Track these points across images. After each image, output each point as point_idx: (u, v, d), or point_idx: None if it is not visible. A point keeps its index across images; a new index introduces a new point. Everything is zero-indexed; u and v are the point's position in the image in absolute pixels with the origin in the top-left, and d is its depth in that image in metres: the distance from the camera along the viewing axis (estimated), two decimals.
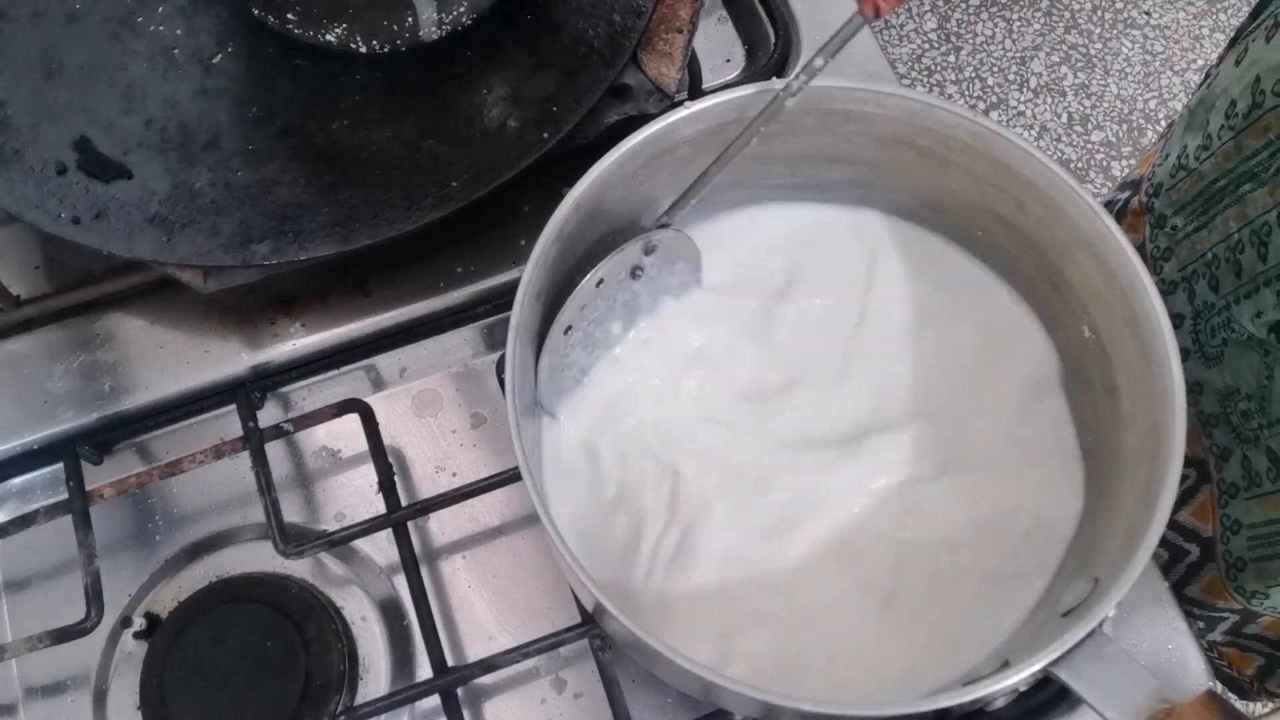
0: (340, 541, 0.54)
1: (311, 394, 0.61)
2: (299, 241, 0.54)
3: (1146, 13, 1.88)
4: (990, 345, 0.54)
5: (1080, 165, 1.77)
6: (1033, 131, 1.79)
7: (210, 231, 0.54)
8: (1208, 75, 0.69)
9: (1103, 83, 1.83)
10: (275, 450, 0.57)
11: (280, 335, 0.60)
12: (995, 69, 1.85)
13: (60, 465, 0.56)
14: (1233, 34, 0.67)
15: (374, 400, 0.57)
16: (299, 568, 0.55)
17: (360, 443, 0.56)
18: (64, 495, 0.55)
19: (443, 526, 0.57)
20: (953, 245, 0.55)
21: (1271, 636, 0.74)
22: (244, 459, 0.56)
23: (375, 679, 0.53)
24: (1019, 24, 1.88)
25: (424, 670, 0.53)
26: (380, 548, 0.56)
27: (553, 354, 0.49)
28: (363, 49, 0.60)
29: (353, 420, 0.56)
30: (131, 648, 0.53)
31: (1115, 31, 1.87)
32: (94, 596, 0.52)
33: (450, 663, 0.52)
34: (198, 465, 0.56)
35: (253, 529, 0.57)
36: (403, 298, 0.60)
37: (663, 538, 0.50)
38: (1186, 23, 1.87)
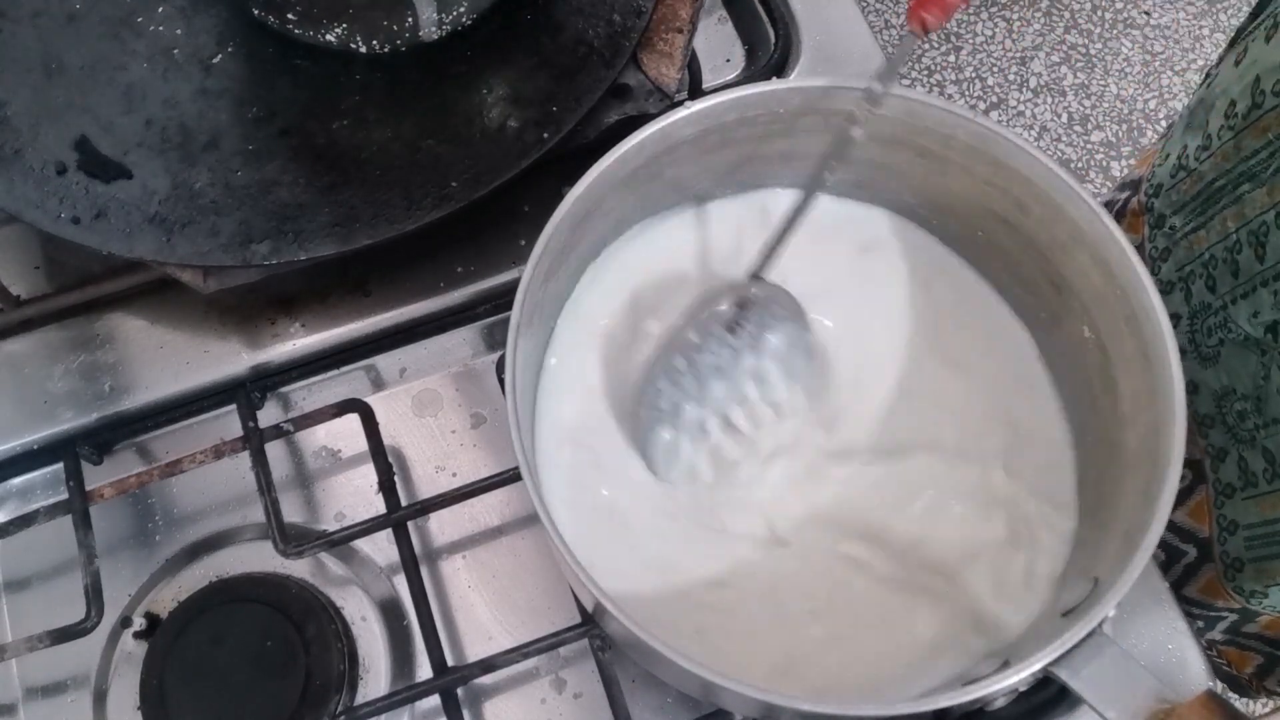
0: (340, 541, 0.54)
1: (311, 394, 0.61)
2: (299, 241, 0.54)
3: (1146, 13, 1.88)
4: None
5: (1080, 165, 1.77)
6: (1033, 131, 1.79)
7: (210, 231, 0.54)
8: (1208, 75, 0.69)
9: (1103, 83, 1.83)
10: (275, 450, 0.57)
11: (280, 335, 0.60)
12: (995, 69, 1.85)
13: (60, 465, 0.56)
14: (1233, 34, 0.67)
15: (374, 400, 0.57)
16: (299, 568, 0.55)
17: (360, 443, 0.56)
18: (64, 495, 0.55)
19: (443, 526, 0.57)
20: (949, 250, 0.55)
21: (1270, 635, 0.74)
22: (244, 459, 0.56)
23: (375, 679, 0.53)
24: (1019, 24, 1.88)
25: (424, 670, 0.53)
26: (380, 548, 0.56)
27: (648, 408, 0.50)
28: (363, 49, 0.60)
29: (353, 420, 0.56)
30: (131, 648, 0.53)
31: (1115, 31, 1.87)
32: (94, 596, 0.52)
33: (450, 663, 0.52)
34: (198, 465, 0.56)
35: (253, 529, 0.57)
36: (403, 298, 0.60)
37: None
38: (1186, 23, 1.87)
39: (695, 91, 0.64)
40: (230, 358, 0.59)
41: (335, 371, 0.61)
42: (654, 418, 0.50)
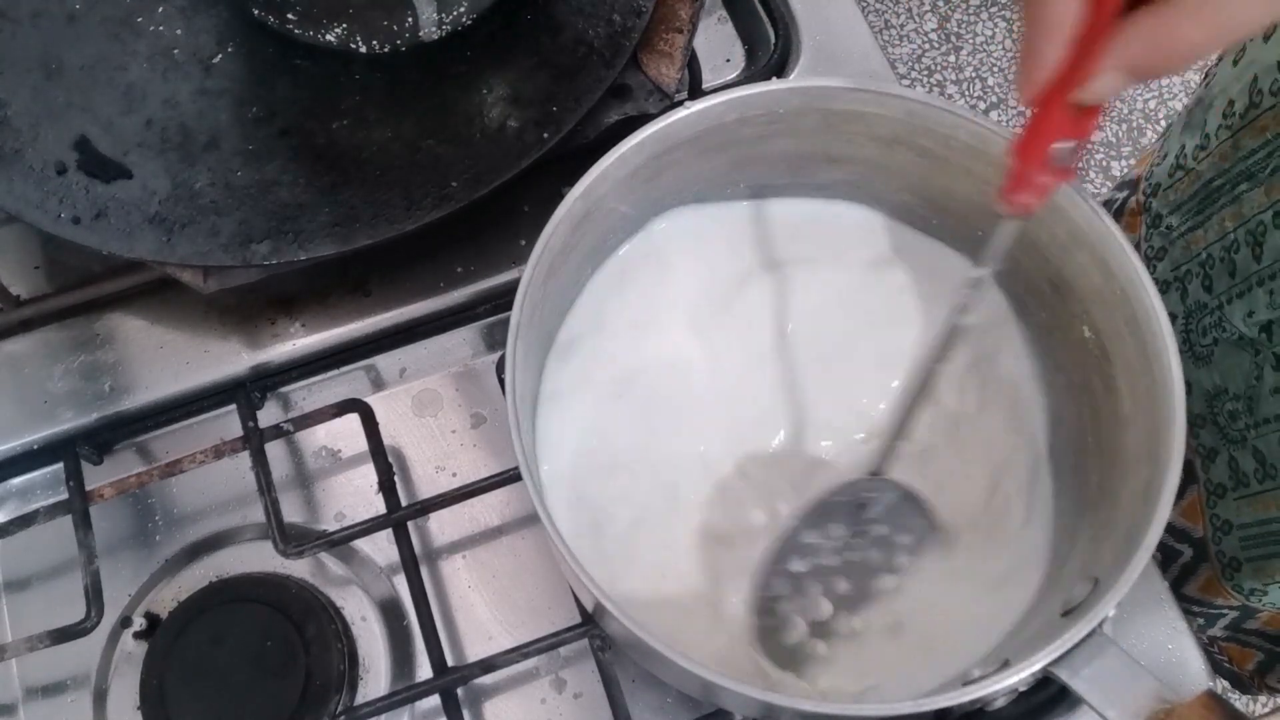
0: (340, 541, 0.54)
1: (311, 394, 0.61)
2: (299, 241, 0.54)
3: None
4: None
5: (1080, 165, 1.77)
6: None
7: (210, 231, 0.54)
8: (1207, 75, 0.69)
9: None
10: (275, 450, 0.57)
11: (280, 335, 0.60)
12: (995, 69, 1.84)
13: (60, 465, 0.56)
14: None
15: (374, 400, 0.57)
16: (299, 568, 0.55)
17: (360, 443, 0.56)
18: (64, 495, 0.55)
19: (443, 526, 0.57)
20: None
21: (1271, 631, 0.74)
22: (244, 459, 0.56)
23: (375, 679, 0.53)
24: (1019, 24, 1.88)
25: (424, 670, 0.53)
26: (380, 548, 0.56)
27: (765, 614, 0.48)
28: (363, 49, 0.60)
29: (353, 420, 0.56)
30: (131, 648, 0.53)
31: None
32: (94, 596, 0.52)
33: (450, 663, 0.52)
34: (198, 465, 0.56)
35: (253, 529, 0.57)
36: (403, 298, 0.60)
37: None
38: None
39: (695, 91, 0.64)
40: (230, 358, 0.59)
41: (335, 371, 0.61)
42: (773, 625, 0.48)
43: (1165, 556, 0.74)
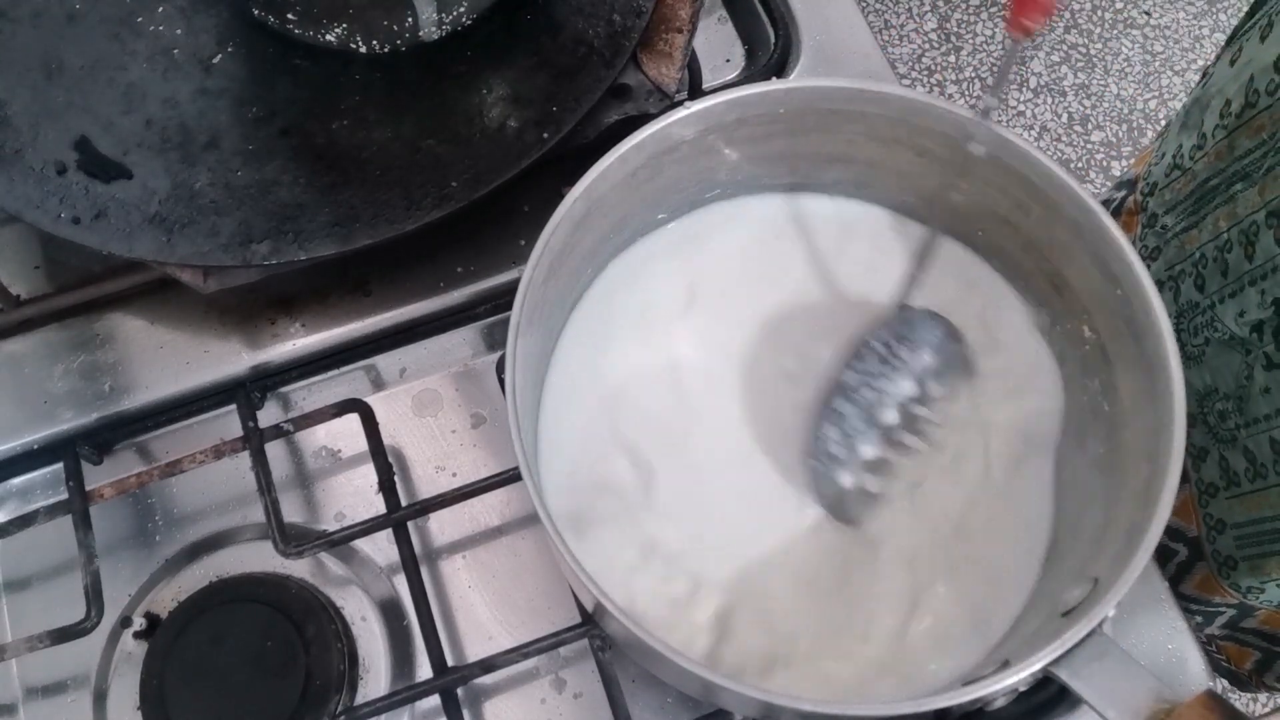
0: (340, 541, 0.54)
1: (311, 394, 0.61)
2: (299, 241, 0.54)
3: (1146, 13, 1.88)
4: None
5: (1080, 165, 1.77)
6: (1033, 131, 1.79)
7: (210, 231, 0.54)
8: (1205, 75, 0.69)
9: (1103, 83, 1.83)
10: (275, 450, 0.57)
11: (280, 335, 0.60)
12: (995, 69, 1.84)
13: (60, 465, 0.56)
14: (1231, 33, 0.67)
15: (374, 400, 0.57)
16: (299, 568, 0.55)
17: (360, 443, 0.56)
18: (64, 495, 0.55)
19: (443, 526, 0.57)
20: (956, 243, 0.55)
21: (1268, 630, 0.74)
22: (244, 459, 0.56)
23: (375, 679, 0.53)
24: None
25: (424, 670, 0.53)
26: (380, 548, 0.56)
27: (821, 458, 0.50)
28: (363, 49, 0.60)
29: (353, 420, 0.56)
30: (131, 648, 0.53)
31: (1115, 31, 1.87)
32: (94, 596, 0.52)
33: (450, 663, 0.52)
34: (198, 465, 0.56)
35: (253, 529, 0.57)
36: (403, 298, 0.60)
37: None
38: (1186, 23, 1.87)
39: (695, 91, 0.64)
40: (230, 358, 0.59)
41: (335, 371, 0.61)
42: (829, 467, 0.50)
43: (1161, 555, 0.73)
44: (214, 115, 0.58)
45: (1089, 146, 1.78)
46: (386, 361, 0.61)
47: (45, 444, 0.58)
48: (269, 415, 0.59)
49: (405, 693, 0.51)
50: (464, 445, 0.58)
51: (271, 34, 0.60)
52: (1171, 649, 0.52)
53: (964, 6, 1.90)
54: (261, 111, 0.58)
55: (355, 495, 0.57)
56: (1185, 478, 0.68)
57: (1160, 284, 0.68)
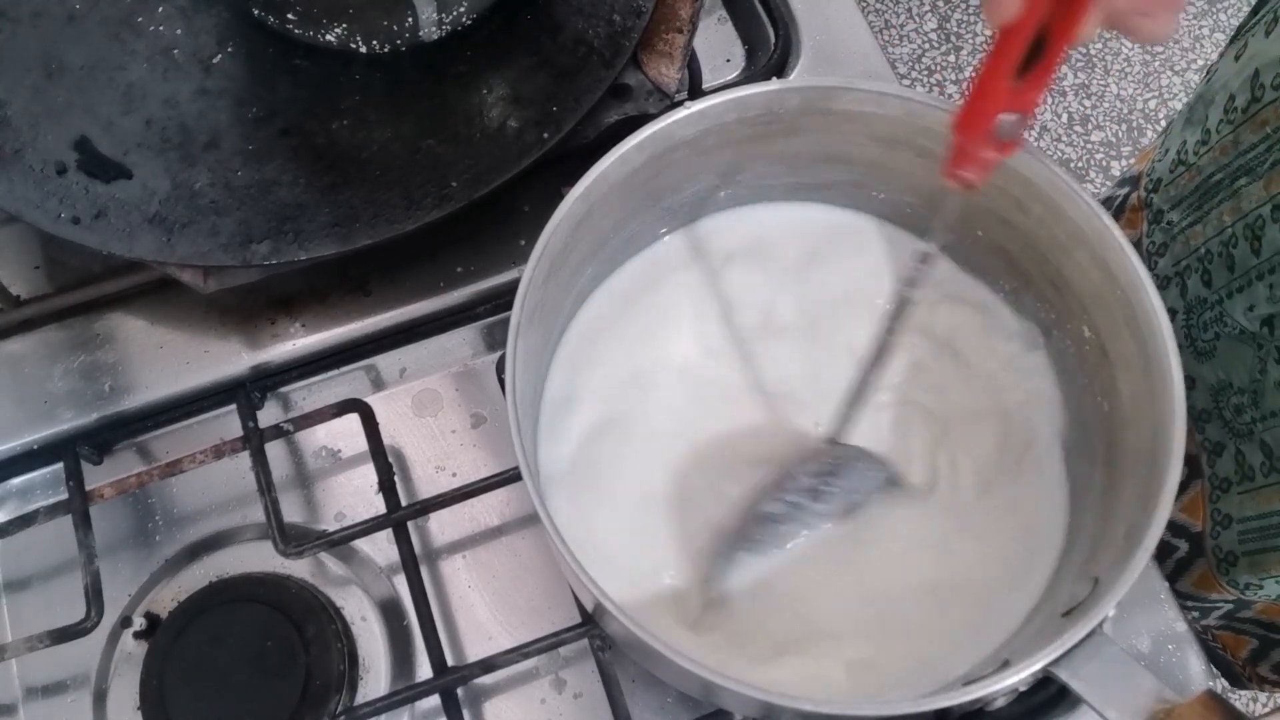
0: (340, 541, 0.54)
1: (311, 394, 0.61)
2: (299, 241, 0.54)
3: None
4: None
5: (1080, 165, 1.77)
6: (1033, 131, 1.79)
7: (210, 231, 0.54)
8: (1209, 70, 0.69)
9: (1103, 83, 1.83)
10: (275, 450, 0.57)
11: (280, 335, 0.60)
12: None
13: (60, 465, 0.56)
14: (1232, 33, 0.67)
15: (374, 400, 0.57)
16: (299, 568, 0.55)
17: (360, 443, 0.56)
18: (64, 495, 0.55)
19: (443, 526, 0.57)
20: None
21: (1266, 619, 0.74)
22: (244, 459, 0.56)
23: (375, 679, 0.53)
24: None
25: (424, 670, 0.53)
26: (380, 548, 0.56)
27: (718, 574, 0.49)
28: (363, 49, 0.60)
29: (353, 420, 0.56)
30: (131, 648, 0.53)
31: (1115, 31, 1.87)
32: (94, 596, 0.52)
33: (450, 663, 0.52)
34: (198, 465, 0.56)
35: (253, 529, 0.57)
36: (403, 298, 0.60)
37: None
38: (1186, 23, 1.87)
39: (695, 91, 0.64)
40: (230, 358, 0.59)
41: (335, 371, 0.61)
42: (726, 583, 0.49)
43: (1161, 551, 0.73)
44: (214, 115, 0.58)
45: (1089, 146, 1.78)
46: (386, 361, 0.61)
47: (45, 444, 0.58)
48: (269, 415, 0.59)
49: (405, 693, 0.51)
50: (464, 445, 0.58)
51: (271, 34, 0.60)
52: (1171, 649, 0.52)
53: (964, 6, 1.90)
54: (261, 111, 0.58)
55: (355, 495, 0.57)
56: (1199, 473, 0.68)
57: (1168, 280, 0.68)
